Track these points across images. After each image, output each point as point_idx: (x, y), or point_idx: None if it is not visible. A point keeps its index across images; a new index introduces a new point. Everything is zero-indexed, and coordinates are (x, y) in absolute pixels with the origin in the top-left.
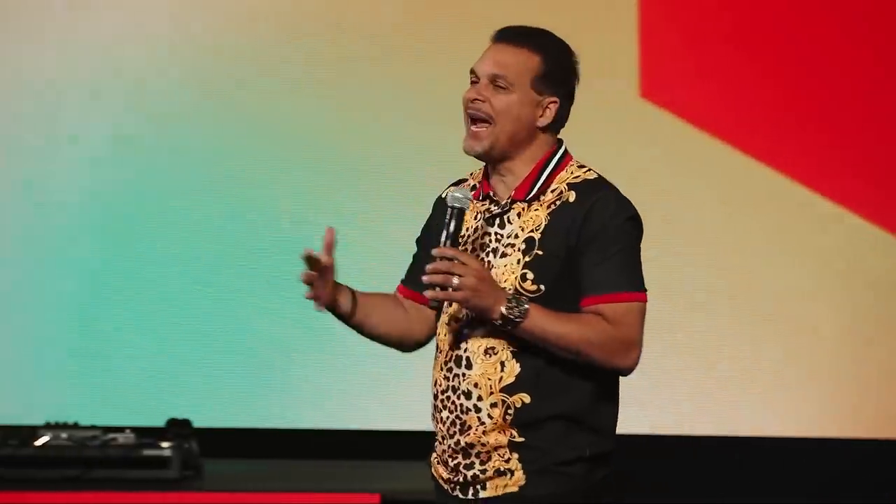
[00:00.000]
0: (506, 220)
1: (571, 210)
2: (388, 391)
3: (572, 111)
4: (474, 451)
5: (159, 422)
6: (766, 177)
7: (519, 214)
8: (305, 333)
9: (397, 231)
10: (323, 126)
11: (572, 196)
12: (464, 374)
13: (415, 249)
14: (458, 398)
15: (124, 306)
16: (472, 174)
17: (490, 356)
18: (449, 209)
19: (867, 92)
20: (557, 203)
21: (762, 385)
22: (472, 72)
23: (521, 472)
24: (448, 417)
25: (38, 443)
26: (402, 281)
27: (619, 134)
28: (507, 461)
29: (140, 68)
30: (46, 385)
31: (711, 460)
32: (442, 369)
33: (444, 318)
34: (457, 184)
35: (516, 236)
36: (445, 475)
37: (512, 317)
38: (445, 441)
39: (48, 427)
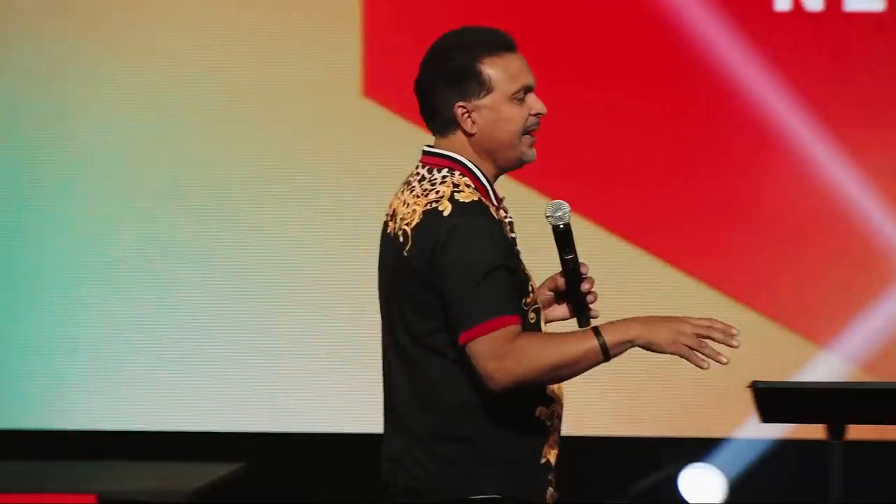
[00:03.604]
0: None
1: None
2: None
3: (300, 112)
4: None
5: None
6: None
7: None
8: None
9: None
10: None
11: None
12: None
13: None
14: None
15: None
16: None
17: None
18: (562, 227)
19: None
20: None
21: None
22: (527, 87)
23: None
24: (561, 421)
25: None
26: (513, 311)
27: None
28: None
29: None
30: None
31: None
32: None
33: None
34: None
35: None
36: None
37: None
38: (557, 447)
39: None
